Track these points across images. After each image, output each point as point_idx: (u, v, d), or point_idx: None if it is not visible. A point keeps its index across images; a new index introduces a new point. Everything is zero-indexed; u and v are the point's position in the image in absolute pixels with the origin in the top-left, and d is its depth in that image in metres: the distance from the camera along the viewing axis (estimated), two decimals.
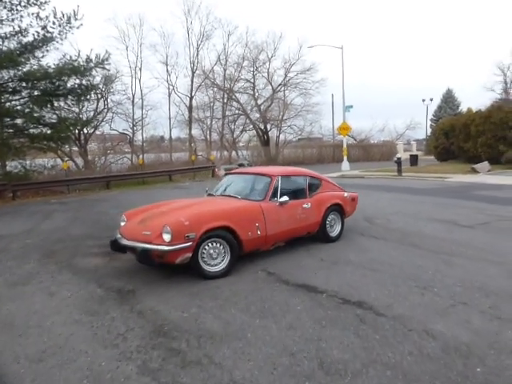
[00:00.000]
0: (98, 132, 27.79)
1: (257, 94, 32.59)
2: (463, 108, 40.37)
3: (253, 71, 32.23)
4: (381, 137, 43.09)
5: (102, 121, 26.88)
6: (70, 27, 16.35)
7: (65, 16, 16.09)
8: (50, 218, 9.82)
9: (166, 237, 4.36)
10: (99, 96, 24.44)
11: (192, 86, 31.31)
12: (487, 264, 4.87)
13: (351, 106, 25.03)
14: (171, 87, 31.21)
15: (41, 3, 15.65)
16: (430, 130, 40.90)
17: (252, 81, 32.33)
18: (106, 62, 16.76)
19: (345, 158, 24.08)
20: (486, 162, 18.25)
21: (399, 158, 17.99)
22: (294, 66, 32.04)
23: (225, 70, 32.09)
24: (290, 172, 6.28)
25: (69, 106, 18.30)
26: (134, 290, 4.33)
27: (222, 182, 6.45)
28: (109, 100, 26.44)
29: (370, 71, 78.66)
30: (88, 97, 18.00)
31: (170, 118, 31.98)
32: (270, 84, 32.66)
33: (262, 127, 32.93)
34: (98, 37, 52.72)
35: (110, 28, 46.56)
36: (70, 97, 16.75)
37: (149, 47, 35.54)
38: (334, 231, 6.34)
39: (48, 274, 5.02)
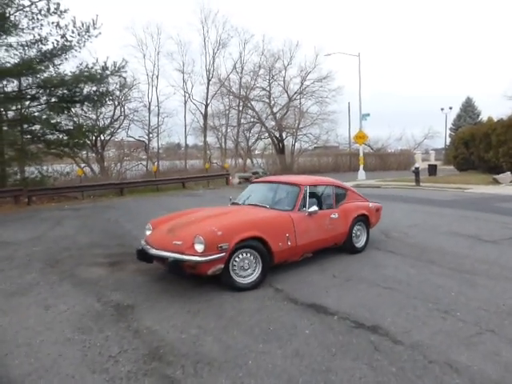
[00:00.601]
0: (116, 139, 28.18)
1: (272, 102, 32.57)
2: (483, 117, 39.42)
3: (269, 79, 32.26)
4: (398, 146, 42.43)
5: (119, 128, 27.24)
6: (89, 36, 16.58)
7: (84, 25, 16.33)
8: (61, 224, 9.75)
9: (199, 247, 4.23)
10: (116, 103, 24.74)
11: (207, 93, 31.46)
12: None
13: (368, 115, 24.62)
14: (187, 95, 31.43)
15: (61, 12, 15.92)
16: (448, 140, 39.98)
17: (268, 89, 32.33)
18: (122, 70, 16.92)
19: (361, 166, 23.61)
20: (508, 173, 17.55)
21: (417, 168, 17.47)
22: (311, 74, 31.97)
23: (240, 78, 32.19)
24: (317, 181, 6.14)
25: (85, 112, 18.52)
26: (133, 306, 4.09)
27: (246, 190, 6.33)
28: (125, 107, 26.80)
29: (387, 79, 77.91)
30: (104, 102, 18.16)
31: (185, 126, 32.15)
32: (286, 92, 32.58)
33: (278, 135, 32.78)
34: (117, 46, 53.72)
35: (129, 36, 47.51)
36: (86, 103, 16.93)
37: (166, 55, 35.99)
38: (360, 242, 6.20)
39: (48, 285, 4.84)
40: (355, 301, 4.09)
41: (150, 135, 29.77)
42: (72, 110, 17.21)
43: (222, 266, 4.31)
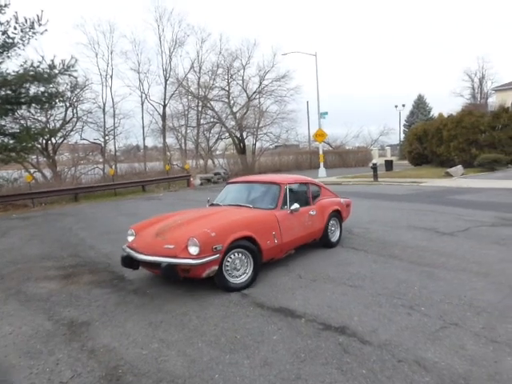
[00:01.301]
0: (70, 142, 26.80)
1: (232, 102, 32.30)
2: (434, 113, 41.48)
3: (227, 79, 31.95)
4: (356, 143, 43.63)
5: (72, 130, 25.90)
6: (34, 33, 15.52)
7: (28, 21, 15.29)
8: (7, 235, 9.05)
9: (193, 249, 4.16)
10: (67, 104, 23.48)
11: (165, 94, 30.76)
12: (472, 276, 4.61)
13: (326, 113, 25.03)
14: (144, 95, 30.58)
15: (0, 7, 14.84)
16: (403, 136, 41.66)
17: (227, 88, 32.02)
18: (72, 69, 15.94)
19: (321, 164, 23.97)
20: (459, 166, 18.48)
21: (375, 164, 18.00)
22: (269, 74, 32.00)
23: (199, 78, 31.69)
24: (295, 180, 6.21)
25: (32, 114, 17.39)
26: (89, 322, 3.79)
27: (223, 191, 6.27)
28: (78, 109, 25.52)
29: (344, 79, 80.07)
30: (53, 104, 17.10)
31: (143, 127, 31.27)
32: (245, 92, 32.45)
33: (238, 135, 32.59)
34: (67, 44, 51.22)
35: (79, 35, 45.27)
36: (33, 105, 15.86)
37: (119, 54, 34.72)
38: (335, 236, 6.42)
39: None
40: (322, 301, 4.03)
41: (106, 137, 28.63)
42: (18, 112, 16.08)
43: (217, 267, 4.27)
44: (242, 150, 32.41)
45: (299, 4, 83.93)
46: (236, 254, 4.50)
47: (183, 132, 32.64)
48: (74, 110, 25.18)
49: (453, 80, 69.96)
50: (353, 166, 33.55)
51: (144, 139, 31.99)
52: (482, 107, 29.83)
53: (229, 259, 4.44)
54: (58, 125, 24.20)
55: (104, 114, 28.06)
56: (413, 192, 13.18)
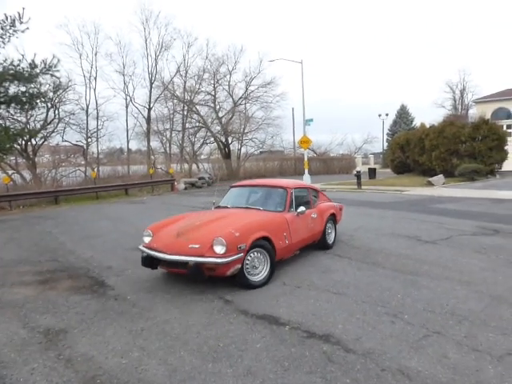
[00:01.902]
0: (51, 144, 26.22)
1: (218, 107, 32.31)
2: (417, 123, 42.28)
3: (213, 84, 31.96)
4: (340, 150, 44.19)
5: (53, 132, 25.36)
6: (15, 31, 15.13)
7: (8, 18, 14.93)
8: None
9: (219, 249, 4.34)
10: (49, 105, 22.98)
11: (150, 97, 30.54)
12: (455, 284, 4.66)
13: (311, 120, 25.19)
14: (128, 98, 30.23)
15: None
16: (386, 144, 42.31)
17: (213, 93, 32.02)
18: (54, 69, 15.53)
19: (306, 170, 24.07)
20: (441, 175, 18.86)
21: (359, 172, 18.21)
22: (255, 80, 32.19)
23: (185, 82, 31.62)
24: (298, 184, 6.51)
25: (12, 114, 16.94)
26: (66, 330, 3.67)
27: (228, 194, 6.44)
28: (60, 110, 25.00)
29: (329, 86, 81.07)
30: (34, 104, 16.70)
31: (127, 130, 30.88)
32: (231, 97, 32.51)
33: (223, 140, 32.57)
34: (50, 43, 50.26)
35: (62, 35, 44.46)
36: (12, 105, 15.45)
37: (104, 56, 33.92)
38: (331, 238, 6.70)
39: None
40: (306, 309, 4.01)
41: (89, 139, 28.17)
42: None
43: (240, 265, 4.47)
44: (227, 154, 32.37)
45: (286, 11, 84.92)
46: (255, 254, 4.71)
47: (168, 136, 32.43)
48: (56, 111, 24.67)
49: (435, 91, 71.97)
50: (337, 173, 33.90)
51: (128, 142, 31.62)
52: (462, 118, 30.62)
53: (248, 258, 4.63)
54: (38, 125, 23.66)
55: (87, 116, 27.67)
56: (396, 200, 13.36)
